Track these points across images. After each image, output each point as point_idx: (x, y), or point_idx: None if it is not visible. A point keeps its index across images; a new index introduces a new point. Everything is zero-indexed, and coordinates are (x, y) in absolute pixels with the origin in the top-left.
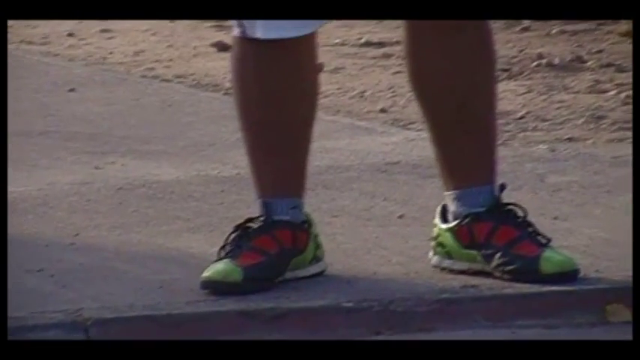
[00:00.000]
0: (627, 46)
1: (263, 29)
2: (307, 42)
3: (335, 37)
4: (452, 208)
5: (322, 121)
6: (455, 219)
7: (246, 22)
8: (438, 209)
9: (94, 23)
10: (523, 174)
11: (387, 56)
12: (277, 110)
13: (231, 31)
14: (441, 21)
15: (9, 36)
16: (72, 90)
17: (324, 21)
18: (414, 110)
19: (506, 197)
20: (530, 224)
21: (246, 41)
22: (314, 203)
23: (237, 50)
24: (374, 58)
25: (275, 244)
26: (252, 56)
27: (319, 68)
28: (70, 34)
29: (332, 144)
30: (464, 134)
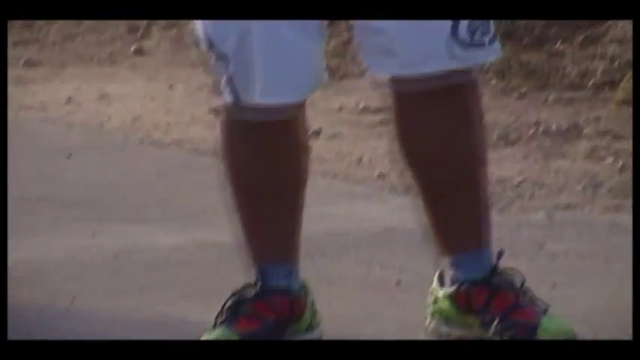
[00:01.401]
0: (624, 114)
1: (260, 95)
2: (300, 106)
3: (333, 103)
4: (449, 273)
5: (320, 187)
6: (452, 284)
7: (239, 89)
8: (436, 274)
9: (93, 89)
10: (521, 241)
11: (385, 123)
12: (270, 177)
13: (223, 97)
14: (428, 86)
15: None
16: (69, 156)
17: (321, 86)
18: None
19: (504, 264)
20: (528, 291)
21: (238, 108)
22: (311, 270)
23: (227, 118)
24: (371, 124)
25: (272, 310)
26: (244, 124)
27: (316, 132)
28: (68, 100)
29: (329, 210)
30: (457, 199)
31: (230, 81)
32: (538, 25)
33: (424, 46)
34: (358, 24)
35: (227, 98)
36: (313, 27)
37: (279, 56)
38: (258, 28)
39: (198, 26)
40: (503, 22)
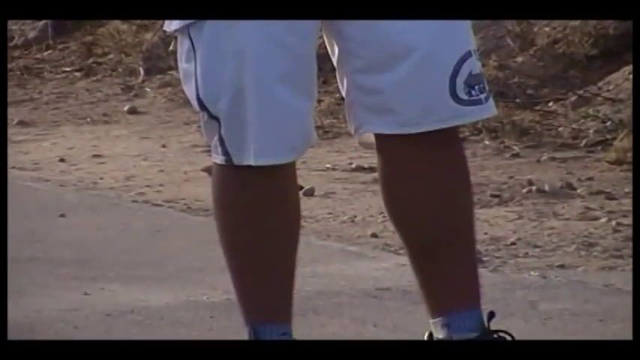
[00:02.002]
0: (617, 174)
1: (254, 155)
2: (291, 165)
3: (326, 162)
4: (440, 335)
5: (313, 246)
6: None
7: (231, 150)
8: (426, 335)
9: (86, 149)
10: (514, 301)
11: (378, 181)
12: (264, 236)
13: (214, 157)
14: (422, 141)
15: None
16: (62, 215)
17: (313, 145)
18: None
19: (497, 324)
20: None
21: (231, 168)
22: (304, 329)
23: (220, 177)
24: (364, 183)
25: None
26: (238, 183)
27: (309, 191)
28: (62, 160)
29: (322, 269)
30: (450, 258)
31: (222, 141)
32: (531, 84)
33: (424, 103)
34: (352, 82)
35: (219, 159)
36: (306, 86)
37: (273, 115)
38: (250, 87)
39: (189, 87)
40: (497, 81)
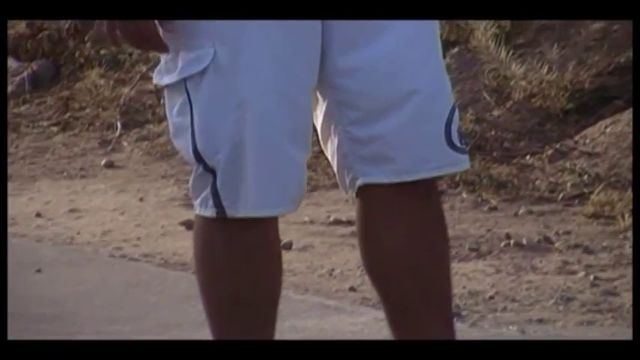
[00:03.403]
0: (594, 228)
1: (252, 207)
2: (276, 217)
3: (304, 215)
4: None
5: (291, 300)
6: None
7: (226, 202)
8: None
9: (63, 203)
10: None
11: (356, 233)
12: (250, 287)
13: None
14: (402, 194)
15: None
16: (38, 271)
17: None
18: None
19: None
20: None
21: (219, 221)
22: None
23: (206, 230)
24: (342, 236)
25: None
26: (226, 236)
27: (287, 245)
28: (38, 215)
29: (301, 323)
30: (424, 313)
31: (215, 194)
32: (508, 138)
33: (422, 151)
34: (345, 134)
35: (208, 212)
36: (305, 137)
37: (274, 166)
38: (252, 139)
39: (183, 140)
40: (474, 135)
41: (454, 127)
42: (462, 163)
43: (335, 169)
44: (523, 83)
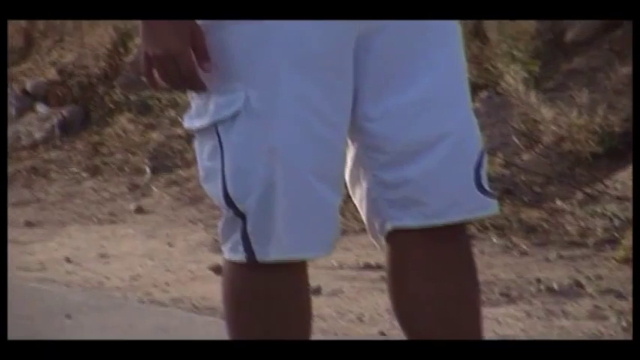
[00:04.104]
0: (626, 272)
1: (283, 251)
2: (305, 262)
3: (332, 260)
4: None
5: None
6: None
7: (256, 246)
8: None
9: (92, 248)
10: None
11: (385, 279)
12: (281, 332)
13: (231, 256)
14: (432, 238)
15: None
16: (68, 316)
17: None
18: None
19: None
20: None
21: (250, 266)
22: None
23: (237, 276)
24: (372, 280)
25: None
26: (257, 281)
27: (316, 290)
28: (68, 260)
29: None
30: None
31: (245, 239)
32: (537, 182)
33: (451, 194)
34: (374, 178)
35: (238, 257)
36: (337, 180)
37: (306, 209)
38: (283, 181)
39: (213, 185)
40: (503, 179)
41: (483, 171)
42: (491, 208)
43: (363, 214)
44: (553, 127)
